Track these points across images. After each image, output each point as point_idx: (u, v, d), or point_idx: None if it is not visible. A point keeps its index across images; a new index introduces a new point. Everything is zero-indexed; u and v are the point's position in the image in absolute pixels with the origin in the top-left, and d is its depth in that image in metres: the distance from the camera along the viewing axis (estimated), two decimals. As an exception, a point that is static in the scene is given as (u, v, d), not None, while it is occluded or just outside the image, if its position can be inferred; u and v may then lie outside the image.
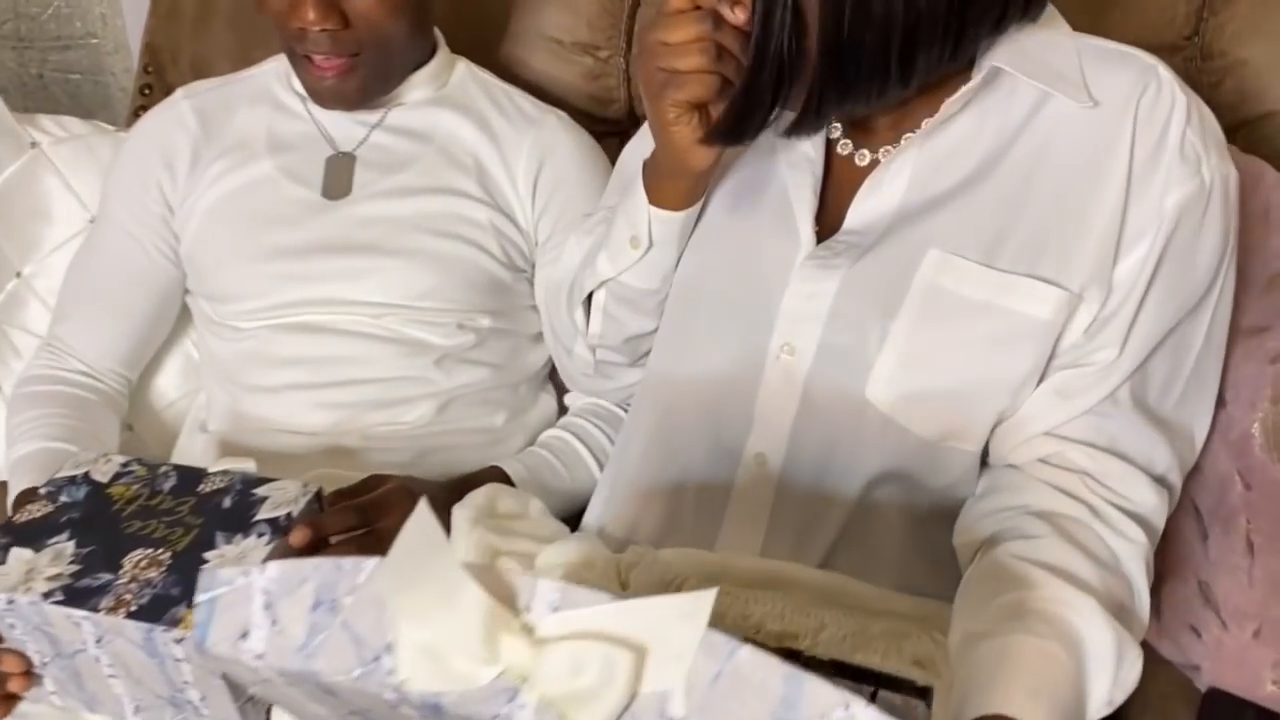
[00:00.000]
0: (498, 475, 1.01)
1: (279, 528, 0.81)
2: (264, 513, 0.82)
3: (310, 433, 1.06)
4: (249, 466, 0.88)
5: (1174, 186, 0.74)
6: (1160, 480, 0.78)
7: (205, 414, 1.14)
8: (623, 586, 0.83)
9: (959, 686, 0.66)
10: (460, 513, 0.85)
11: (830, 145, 0.86)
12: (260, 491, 0.84)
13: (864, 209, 0.81)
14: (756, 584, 0.81)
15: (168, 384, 1.23)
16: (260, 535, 0.80)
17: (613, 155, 1.22)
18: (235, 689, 0.75)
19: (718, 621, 0.80)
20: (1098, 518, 0.75)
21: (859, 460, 0.81)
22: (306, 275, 1.07)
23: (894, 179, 0.80)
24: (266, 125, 1.13)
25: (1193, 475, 0.83)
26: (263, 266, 1.07)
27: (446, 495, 0.89)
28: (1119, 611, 0.72)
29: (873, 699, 0.65)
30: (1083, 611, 0.68)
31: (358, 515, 0.86)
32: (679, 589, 0.80)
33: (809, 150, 0.85)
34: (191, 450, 1.11)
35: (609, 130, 1.27)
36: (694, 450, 0.86)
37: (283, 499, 0.83)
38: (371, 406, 1.07)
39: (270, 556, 0.79)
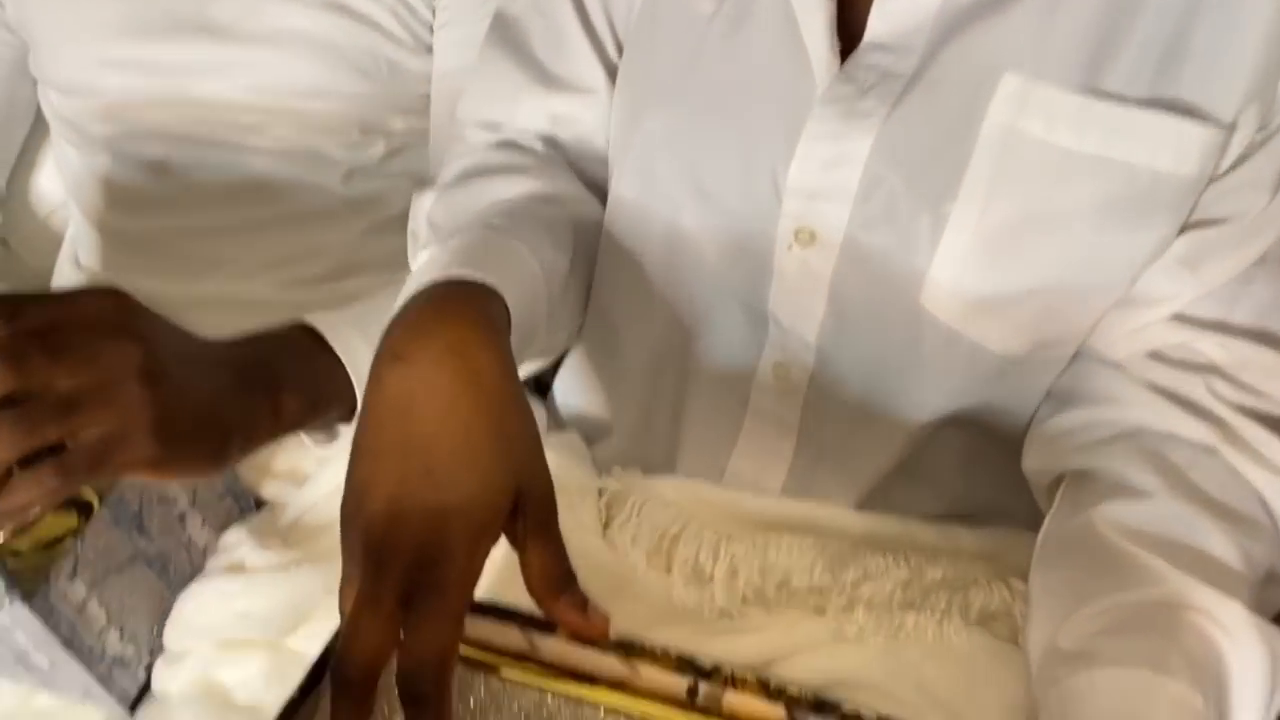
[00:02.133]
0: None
1: None
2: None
3: (200, 295, 0.82)
4: None
5: None
6: None
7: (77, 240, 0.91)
8: (605, 526, 0.65)
9: None
10: None
11: None
12: None
13: (893, 6, 0.54)
14: (779, 528, 0.62)
15: (48, 185, 0.98)
16: None
17: None
18: (89, 658, 0.59)
19: (728, 582, 0.65)
20: (1230, 441, 0.53)
21: (914, 383, 0.59)
22: (154, 65, 0.80)
23: None
24: None
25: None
26: (95, 48, 0.81)
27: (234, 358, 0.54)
28: (1268, 584, 0.52)
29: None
30: (1228, 625, 0.48)
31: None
32: (677, 538, 0.62)
33: None
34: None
35: None
36: (696, 349, 0.64)
37: None
38: (269, 243, 0.83)
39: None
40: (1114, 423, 0.56)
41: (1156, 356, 0.55)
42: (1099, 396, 0.57)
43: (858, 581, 0.60)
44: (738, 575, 0.60)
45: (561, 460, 0.65)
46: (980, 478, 0.64)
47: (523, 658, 0.48)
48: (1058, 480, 0.58)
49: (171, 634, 0.62)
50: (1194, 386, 0.54)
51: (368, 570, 0.42)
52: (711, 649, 0.57)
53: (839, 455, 0.61)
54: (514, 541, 0.46)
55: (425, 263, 0.54)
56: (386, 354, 0.46)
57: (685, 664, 0.48)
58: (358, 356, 0.57)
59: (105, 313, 0.47)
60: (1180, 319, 0.55)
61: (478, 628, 0.49)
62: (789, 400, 0.61)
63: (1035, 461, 0.59)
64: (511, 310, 0.50)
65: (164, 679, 0.61)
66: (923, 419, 0.60)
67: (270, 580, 0.62)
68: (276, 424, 0.53)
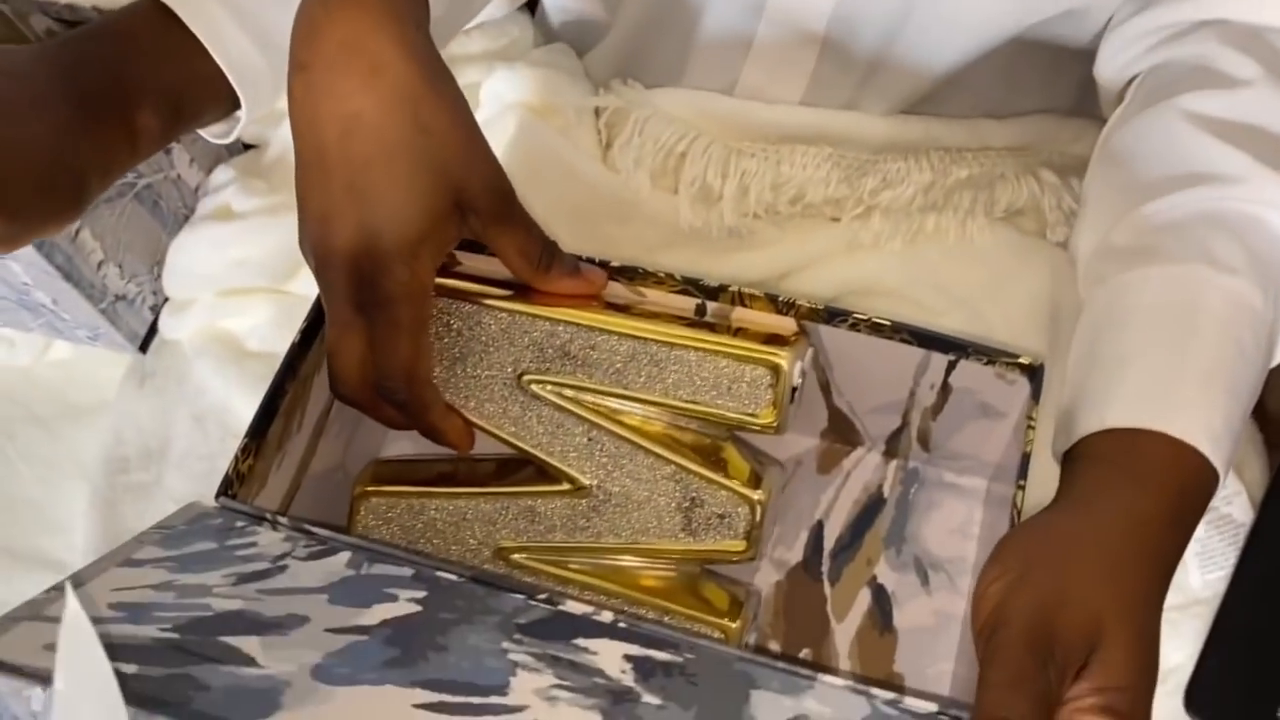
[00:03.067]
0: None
1: None
2: None
3: None
4: None
5: None
6: None
7: None
8: (606, 147, 0.61)
9: (1086, 332, 0.45)
10: None
11: None
12: None
13: None
14: (794, 139, 0.58)
15: None
16: None
17: None
18: (91, 291, 0.59)
19: (738, 200, 0.62)
20: None
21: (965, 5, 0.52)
22: None
23: None
24: None
25: None
26: None
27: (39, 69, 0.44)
28: None
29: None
30: None
31: None
32: (683, 155, 0.59)
33: None
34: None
35: None
36: None
37: None
38: None
39: None
40: (1205, 20, 0.48)
41: None
42: None
43: (876, 189, 0.57)
44: (748, 192, 0.58)
45: (553, 77, 0.60)
46: (1027, 86, 0.58)
47: (529, 290, 0.47)
48: (1129, 84, 0.51)
49: (171, 283, 0.61)
50: None
51: (327, 290, 0.41)
52: (721, 269, 0.56)
53: (868, 69, 0.55)
54: (476, 238, 0.43)
55: None
56: (292, 64, 0.41)
57: (691, 285, 0.47)
58: (224, 34, 0.46)
59: None
60: None
61: (481, 263, 0.48)
62: (815, 6, 0.53)
63: (1111, 65, 0.52)
64: None
65: (171, 328, 0.61)
66: (976, 35, 0.53)
67: (260, 225, 0.59)
68: (135, 149, 0.45)
